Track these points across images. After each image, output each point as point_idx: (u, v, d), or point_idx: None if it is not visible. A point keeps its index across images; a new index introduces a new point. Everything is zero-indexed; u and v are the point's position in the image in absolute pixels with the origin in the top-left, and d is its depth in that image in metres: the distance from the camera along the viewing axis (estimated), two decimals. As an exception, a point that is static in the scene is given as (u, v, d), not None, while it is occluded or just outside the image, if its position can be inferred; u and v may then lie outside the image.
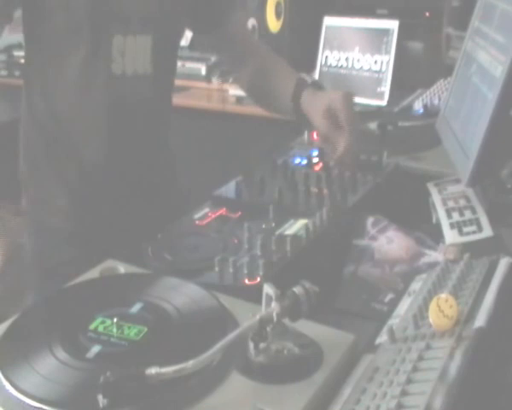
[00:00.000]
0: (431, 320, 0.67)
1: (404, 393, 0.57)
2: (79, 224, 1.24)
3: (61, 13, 1.10)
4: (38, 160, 1.24)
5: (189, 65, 2.42)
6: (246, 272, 0.86)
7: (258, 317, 0.67)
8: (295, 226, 0.99)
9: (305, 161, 1.27)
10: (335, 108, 1.17)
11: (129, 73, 1.18)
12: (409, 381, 0.59)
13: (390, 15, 2.17)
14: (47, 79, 1.18)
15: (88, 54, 1.13)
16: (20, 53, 2.66)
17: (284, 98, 1.30)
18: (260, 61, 1.39)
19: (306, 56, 2.20)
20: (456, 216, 1.04)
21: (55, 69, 1.16)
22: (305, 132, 1.38)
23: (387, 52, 2.02)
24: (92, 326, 0.72)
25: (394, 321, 0.75)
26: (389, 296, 0.91)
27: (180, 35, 1.36)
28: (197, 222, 1.03)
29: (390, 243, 1.00)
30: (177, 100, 1.42)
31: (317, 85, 1.28)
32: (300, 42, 2.35)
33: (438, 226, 1.04)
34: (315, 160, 1.27)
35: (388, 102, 1.99)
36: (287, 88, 1.29)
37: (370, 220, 1.04)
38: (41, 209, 1.26)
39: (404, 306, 0.77)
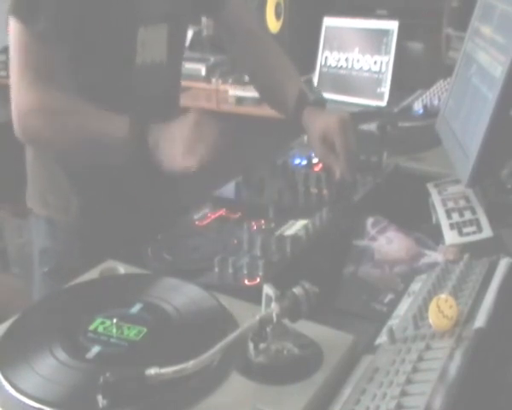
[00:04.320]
0: (431, 321, 0.67)
1: (403, 393, 0.57)
2: (86, 221, 1.23)
3: (99, 10, 1.10)
4: (46, 154, 1.24)
5: (189, 65, 2.42)
6: (245, 272, 0.86)
7: (257, 317, 0.67)
8: (295, 227, 0.99)
9: (304, 162, 1.27)
10: (331, 134, 1.15)
11: (148, 62, 1.19)
12: (408, 381, 0.59)
13: (390, 16, 2.16)
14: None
15: (115, 47, 1.13)
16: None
17: (284, 109, 1.29)
18: (264, 53, 1.37)
19: (306, 57, 2.20)
20: (455, 217, 1.04)
21: (78, 63, 1.14)
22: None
23: (387, 53, 2.02)
24: (92, 327, 0.73)
25: (394, 322, 0.75)
26: (389, 297, 0.91)
27: (189, 22, 1.36)
28: (197, 222, 1.03)
29: (390, 243, 1.00)
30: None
31: (318, 103, 1.26)
32: (300, 42, 2.35)
33: (437, 227, 1.04)
34: (315, 160, 1.27)
35: (388, 102, 1.98)
36: (288, 96, 1.27)
37: (370, 221, 1.04)
38: (48, 206, 1.26)
39: (404, 306, 0.77)
